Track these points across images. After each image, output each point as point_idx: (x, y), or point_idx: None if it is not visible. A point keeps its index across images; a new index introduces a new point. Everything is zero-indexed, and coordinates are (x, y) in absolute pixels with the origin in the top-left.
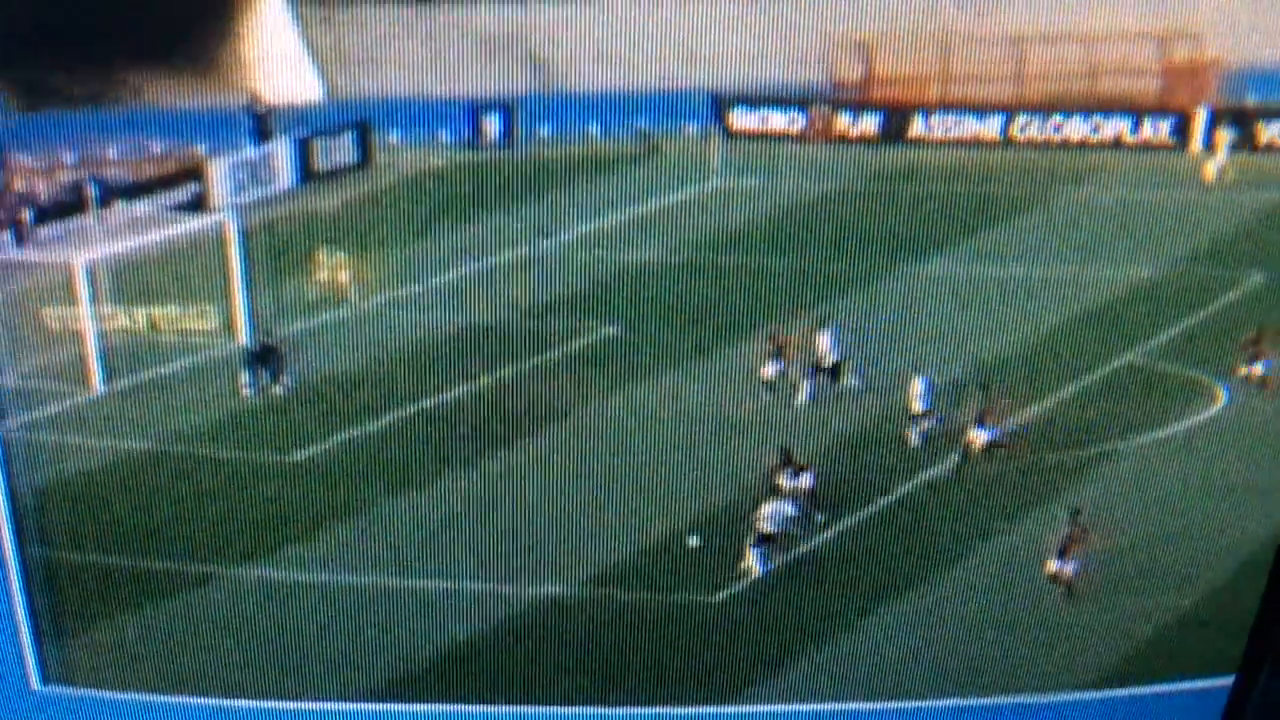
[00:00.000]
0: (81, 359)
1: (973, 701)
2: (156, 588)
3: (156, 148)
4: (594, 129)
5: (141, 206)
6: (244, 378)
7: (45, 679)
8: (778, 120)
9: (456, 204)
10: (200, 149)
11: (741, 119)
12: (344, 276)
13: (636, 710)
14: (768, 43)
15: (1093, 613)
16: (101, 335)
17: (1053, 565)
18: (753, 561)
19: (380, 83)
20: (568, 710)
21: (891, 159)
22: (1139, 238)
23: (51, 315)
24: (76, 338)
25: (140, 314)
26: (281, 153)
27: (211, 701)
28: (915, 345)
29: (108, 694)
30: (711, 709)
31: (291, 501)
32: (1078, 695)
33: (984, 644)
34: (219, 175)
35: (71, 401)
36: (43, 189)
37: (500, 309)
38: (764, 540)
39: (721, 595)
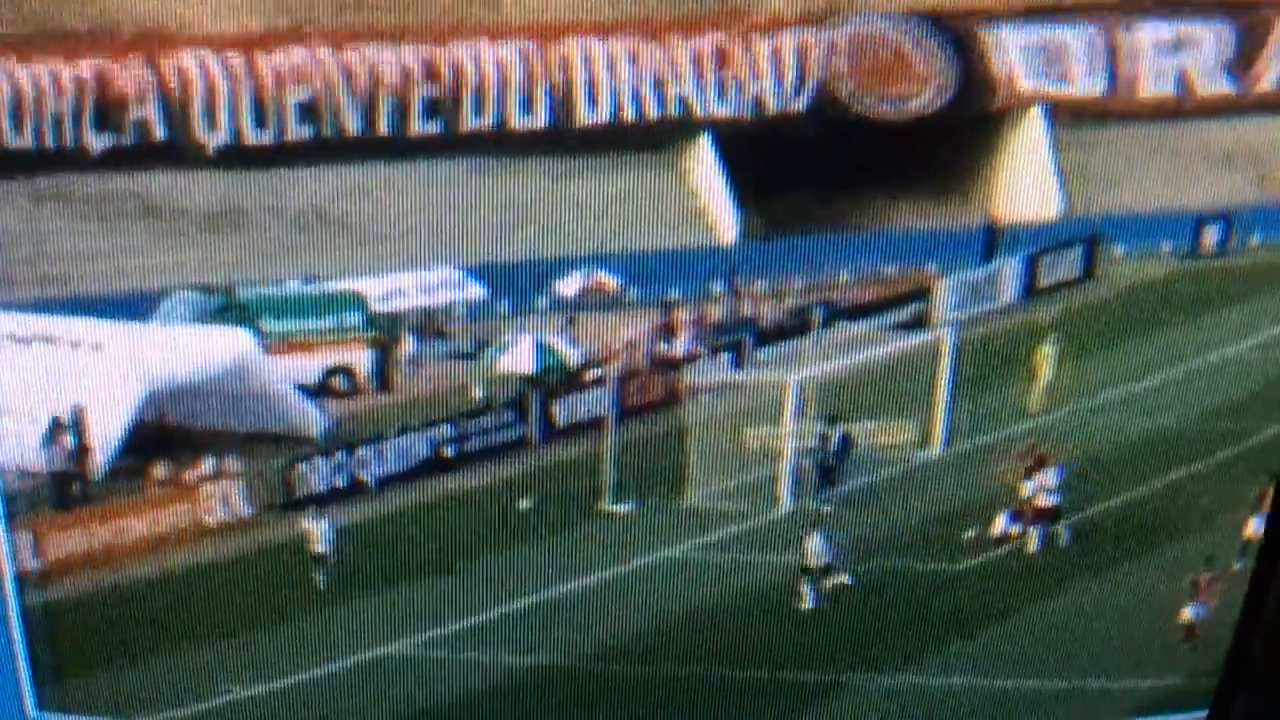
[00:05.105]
0: (774, 478)
1: None
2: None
3: (890, 270)
4: None
5: (861, 326)
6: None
7: None
8: None
9: (1171, 310)
10: (930, 269)
11: None
12: (1045, 386)
13: None
14: None
15: None
16: (797, 453)
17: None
18: None
19: (1115, 198)
20: None
21: None
22: None
23: (752, 435)
24: (772, 457)
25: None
26: (1009, 269)
27: None
28: None
29: None
30: None
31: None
32: None
33: None
34: (944, 293)
35: (757, 520)
36: (767, 313)
37: (1179, 412)
38: None
39: None
